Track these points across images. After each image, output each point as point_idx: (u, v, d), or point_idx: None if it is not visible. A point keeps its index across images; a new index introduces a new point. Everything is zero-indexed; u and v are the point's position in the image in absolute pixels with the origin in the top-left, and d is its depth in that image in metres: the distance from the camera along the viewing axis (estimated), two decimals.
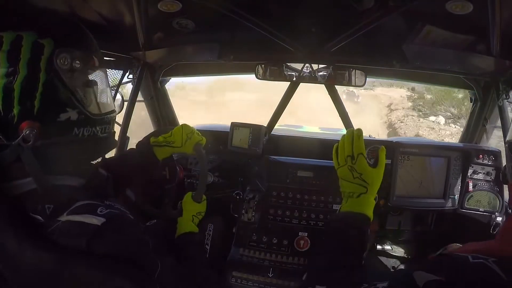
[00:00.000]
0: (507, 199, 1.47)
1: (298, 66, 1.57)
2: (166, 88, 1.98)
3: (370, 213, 0.78)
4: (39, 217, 0.62)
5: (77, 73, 0.70)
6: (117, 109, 1.27)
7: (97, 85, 0.75)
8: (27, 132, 0.63)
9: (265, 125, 1.71)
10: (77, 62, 0.69)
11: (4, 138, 0.64)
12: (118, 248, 0.64)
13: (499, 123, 1.54)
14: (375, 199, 0.80)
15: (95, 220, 0.62)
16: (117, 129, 1.19)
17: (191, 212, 1.11)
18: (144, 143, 1.16)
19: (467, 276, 0.52)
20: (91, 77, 0.74)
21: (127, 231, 0.67)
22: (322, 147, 1.75)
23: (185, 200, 1.14)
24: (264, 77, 1.55)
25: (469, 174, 1.48)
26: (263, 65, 1.54)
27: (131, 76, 1.61)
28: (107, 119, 0.78)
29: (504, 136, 1.43)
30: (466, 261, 0.55)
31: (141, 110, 1.57)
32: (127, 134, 1.58)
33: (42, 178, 0.66)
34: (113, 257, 0.62)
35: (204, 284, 0.89)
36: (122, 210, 0.68)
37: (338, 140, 0.85)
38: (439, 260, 0.60)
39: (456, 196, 1.48)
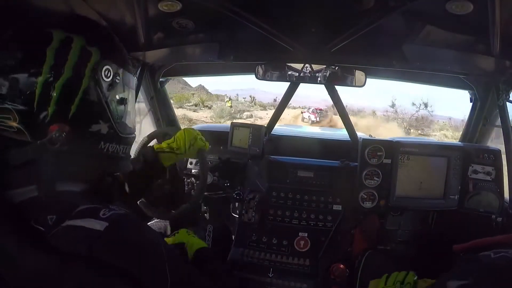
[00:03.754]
0: (507, 199, 1.46)
1: (298, 66, 1.57)
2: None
3: None
4: (41, 228, 0.58)
5: (115, 88, 0.70)
6: None
7: (128, 104, 0.74)
8: (57, 134, 0.61)
9: (265, 125, 1.71)
10: (118, 78, 0.69)
11: (30, 136, 0.62)
12: (121, 257, 0.59)
13: (499, 122, 1.54)
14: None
15: (97, 225, 0.58)
16: None
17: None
18: (149, 151, 1.15)
19: (491, 272, 0.63)
20: (125, 95, 0.73)
21: (133, 237, 0.62)
22: (322, 147, 1.75)
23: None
24: (264, 77, 1.55)
25: (469, 173, 1.47)
26: (263, 65, 1.54)
27: None
28: (129, 140, 0.78)
29: (504, 135, 1.42)
30: (489, 259, 0.65)
31: None
32: None
33: (50, 185, 0.63)
34: (115, 266, 0.58)
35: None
36: (128, 212, 0.64)
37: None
38: (467, 265, 0.70)
39: (456, 196, 1.47)
